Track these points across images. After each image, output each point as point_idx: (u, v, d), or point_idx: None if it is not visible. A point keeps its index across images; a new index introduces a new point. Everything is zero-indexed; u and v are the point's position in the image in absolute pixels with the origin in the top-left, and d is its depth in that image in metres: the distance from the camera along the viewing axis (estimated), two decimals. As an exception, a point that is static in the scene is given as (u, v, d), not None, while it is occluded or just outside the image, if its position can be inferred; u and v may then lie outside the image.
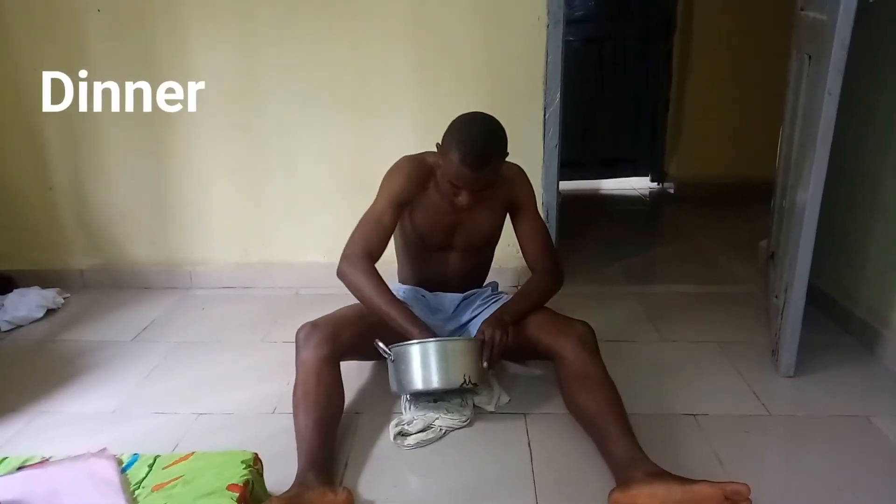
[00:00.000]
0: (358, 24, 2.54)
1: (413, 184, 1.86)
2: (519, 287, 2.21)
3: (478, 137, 1.68)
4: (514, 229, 1.98)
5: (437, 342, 1.69)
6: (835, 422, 1.77)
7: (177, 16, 2.54)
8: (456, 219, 1.91)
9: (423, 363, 1.68)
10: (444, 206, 1.87)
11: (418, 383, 1.69)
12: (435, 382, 1.68)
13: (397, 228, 1.95)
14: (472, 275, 2.08)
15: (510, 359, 2.03)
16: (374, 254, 1.82)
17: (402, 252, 2.06)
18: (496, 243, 2.06)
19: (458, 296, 2.05)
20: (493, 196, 1.87)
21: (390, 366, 1.73)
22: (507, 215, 1.99)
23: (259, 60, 2.59)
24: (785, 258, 2.03)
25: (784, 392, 1.93)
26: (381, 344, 1.70)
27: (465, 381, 1.69)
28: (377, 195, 1.88)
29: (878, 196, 2.15)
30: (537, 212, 1.99)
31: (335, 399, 1.68)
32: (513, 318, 1.81)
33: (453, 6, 2.50)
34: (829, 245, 2.16)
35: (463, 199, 1.75)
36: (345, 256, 1.82)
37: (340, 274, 1.82)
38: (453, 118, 1.77)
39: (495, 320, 1.79)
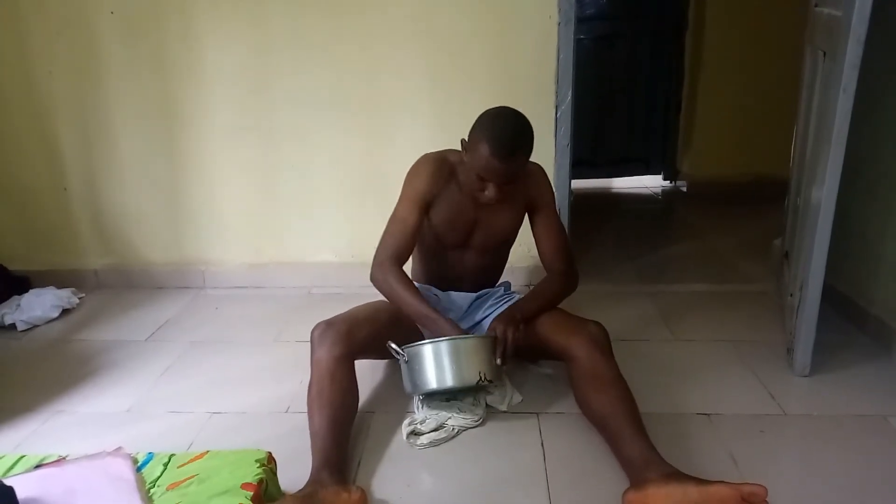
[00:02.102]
0: (368, 25, 2.54)
1: (435, 182, 1.86)
2: (531, 287, 2.19)
3: (508, 130, 1.70)
4: (532, 229, 1.98)
5: (450, 341, 1.69)
6: (851, 421, 1.76)
7: (189, 18, 2.55)
8: (475, 217, 1.90)
9: (436, 363, 1.68)
10: (464, 204, 1.87)
11: (432, 383, 1.69)
12: (449, 381, 1.68)
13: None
14: (487, 274, 2.08)
15: (522, 358, 2.03)
16: (403, 257, 1.86)
17: (417, 249, 2.05)
18: (513, 243, 2.05)
19: (470, 295, 2.05)
20: (514, 193, 1.87)
21: (403, 367, 1.73)
22: (526, 215, 1.99)
23: (270, 62, 2.60)
24: (800, 257, 2.02)
25: (799, 391, 1.91)
26: (393, 345, 1.71)
27: (480, 378, 1.68)
28: (400, 195, 1.89)
29: (894, 193, 2.13)
30: (555, 212, 1.98)
31: (349, 398, 1.69)
32: (524, 316, 1.81)
33: (464, 5, 2.49)
34: (844, 243, 2.14)
35: (490, 192, 1.73)
36: (376, 263, 1.85)
37: (373, 279, 1.86)
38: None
39: (507, 317, 1.79)
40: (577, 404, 1.73)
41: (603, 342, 1.73)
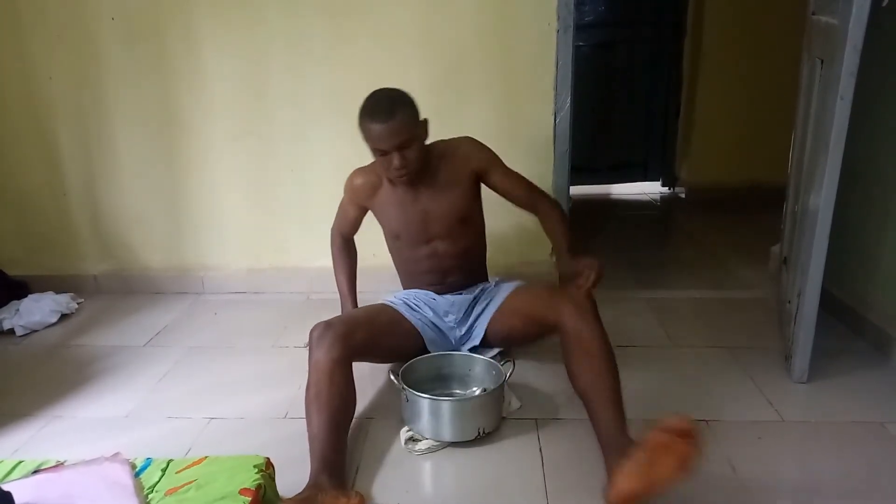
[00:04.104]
0: (368, 32, 2.55)
1: (360, 188, 2.03)
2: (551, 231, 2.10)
3: (378, 95, 1.83)
4: (495, 190, 2.04)
5: (454, 402, 1.72)
6: (848, 428, 1.76)
7: (189, 23, 2.56)
8: (422, 206, 1.96)
9: (435, 418, 1.70)
10: (404, 197, 1.96)
11: (428, 433, 1.71)
12: (447, 437, 1.70)
13: (385, 240, 2.11)
14: (469, 261, 2.07)
15: (516, 343, 2.04)
16: (346, 234, 2.20)
17: (397, 262, 2.13)
18: (479, 223, 2.07)
19: (468, 297, 2.05)
20: (447, 172, 1.95)
21: (403, 402, 1.75)
22: (482, 195, 2.06)
23: (270, 67, 2.61)
24: (798, 263, 2.02)
25: (797, 398, 1.92)
26: (394, 378, 1.75)
27: (479, 433, 1.71)
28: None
29: (892, 200, 2.13)
30: (506, 166, 2.02)
31: (348, 400, 1.69)
32: (572, 249, 1.89)
33: (463, 12, 2.50)
34: (842, 250, 2.15)
35: (396, 161, 1.80)
36: (332, 230, 2.21)
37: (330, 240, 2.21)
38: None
39: (574, 263, 1.82)
40: (575, 411, 1.73)
41: (587, 308, 1.71)
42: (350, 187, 2.06)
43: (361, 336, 1.75)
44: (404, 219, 1.98)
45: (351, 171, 2.67)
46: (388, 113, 1.76)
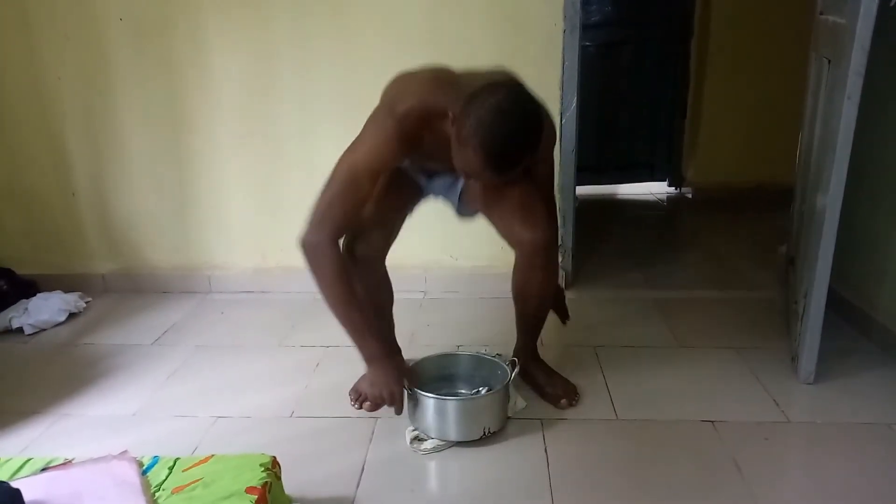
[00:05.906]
0: (375, 31, 2.55)
1: (399, 157, 1.68)
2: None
3: (509, 137, 1.34)
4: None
5: (458, 402, 1.72)
6: (855, 429, 1.75)
7: (196, 23, 2.57)
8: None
9: (441, 417, 1.70)
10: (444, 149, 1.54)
11: (433, 432, 1.71)
12: (452, 436, 1.71)
13: None
14: None
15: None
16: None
17: None
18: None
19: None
20: None
21: (407, 402, 1.75)
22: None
23: (277, 67, 2.62)
24: (805, 263, 2.02)
25: (804, 399, 1.91)
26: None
27: (484, 433, 1.71)
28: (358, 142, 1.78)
29: (900, 201, 2.13)
30: (552, 166, 2.00)
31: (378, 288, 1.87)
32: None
33: (469, 12, 2.50)
34: (849, 250, 2.14)
35: (476, 187, 1.75)
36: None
37: None
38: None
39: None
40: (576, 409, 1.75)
41: (547, 249, 1.74)
42: (383, 151, 1.72)
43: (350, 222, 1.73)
44: (445, 162, 1.55)
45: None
46: (508, 167, 1.38)
